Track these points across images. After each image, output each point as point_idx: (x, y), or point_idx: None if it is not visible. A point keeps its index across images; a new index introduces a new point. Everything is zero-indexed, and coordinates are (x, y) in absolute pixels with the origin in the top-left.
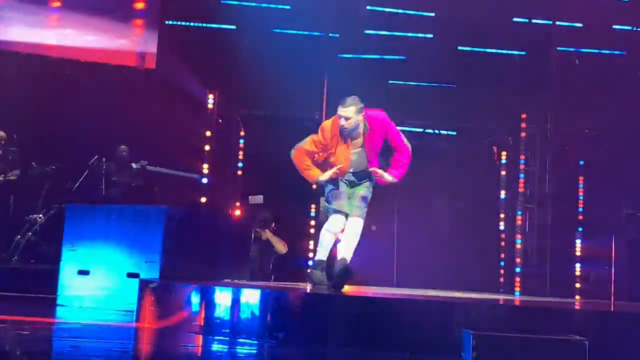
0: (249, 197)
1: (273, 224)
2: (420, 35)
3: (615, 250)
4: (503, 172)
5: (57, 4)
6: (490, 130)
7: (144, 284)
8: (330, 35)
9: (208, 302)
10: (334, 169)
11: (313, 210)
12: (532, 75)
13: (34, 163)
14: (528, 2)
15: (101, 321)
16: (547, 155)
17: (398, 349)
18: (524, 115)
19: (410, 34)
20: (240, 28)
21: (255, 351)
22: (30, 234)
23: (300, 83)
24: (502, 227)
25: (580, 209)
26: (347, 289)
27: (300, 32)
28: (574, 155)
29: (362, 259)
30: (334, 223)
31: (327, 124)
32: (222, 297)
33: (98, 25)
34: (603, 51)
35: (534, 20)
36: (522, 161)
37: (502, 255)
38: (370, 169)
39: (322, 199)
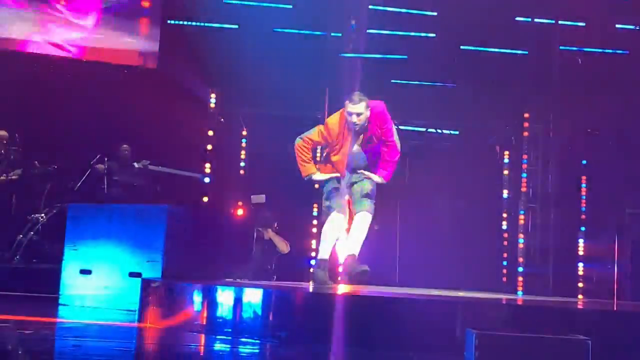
0: (251, 196)
1: (275, 223)
2: (422, 34)
3: (618, 250)
4: (505, 172)
5: (63, 2)
6: (493, 130)
7: (146, 284)
8: (332, 34)
9: (210, 302)
10: (332, 175)
11: (315, 209)
12: (534, 74)
13: (36, 162)
14: (530, 1)
15: (103, 320)
16: (550, 155)
17: (400, 349)
18: (526, 115)
19: (412, 33)
20: (242, 27)
21: (257, 351)
22: (32, 233)
23: (302, 82)
24: (504, 227)
25: (583, 209)
26: (348, 288)
27: (302, 32)
28: (576, 155)
29: (364, 258)
30: (335, 222)
31: (333, 121)
32: (225, 297)
33: (100, 24)
34: (606, 50)
35: (536, 20)
36: (525, 160)
37: (505, 255)
38: (358, 172)
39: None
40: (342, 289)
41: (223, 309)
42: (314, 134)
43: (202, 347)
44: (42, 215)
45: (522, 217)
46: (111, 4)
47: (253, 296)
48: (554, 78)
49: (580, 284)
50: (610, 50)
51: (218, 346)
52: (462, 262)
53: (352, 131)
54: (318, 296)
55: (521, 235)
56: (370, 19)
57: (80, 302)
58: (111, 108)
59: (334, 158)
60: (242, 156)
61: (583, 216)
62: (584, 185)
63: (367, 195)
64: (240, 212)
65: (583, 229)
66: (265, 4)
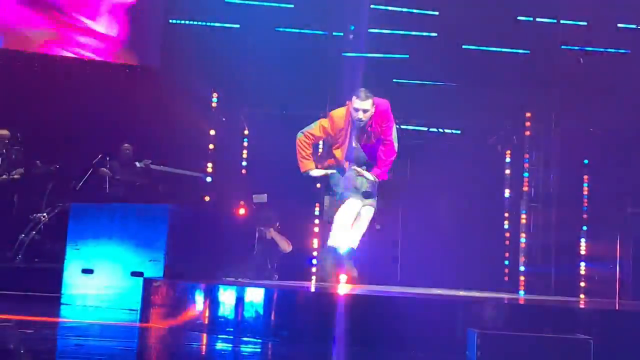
0: (253, 195)
1: (277, 222)
2: (424, 33)
3: (620, 249)
4: (507, 171)
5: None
6: (495, 129)
7: (148, 283)
8: (334, 34)
9: (212, 301)
10: (329, 171)
11: (317, 208)
12: (536, 73)
13: (37, 162)
14: (532, 0)
15: (105, 320)
16: (552, 154)
17: (402, 348)
18: (528, 114)
19: (414, 33)
20: (243, 27)
21: (259, 350)
22: (34, 232)
23: (304, 81)
24: (506, 226)
25: (585, 208)
26: (351, 287)
27: (303, 31)
28: (578, 154)
29: (366, 257)
30: (353, 208)
31: (339, 114)
32: (227, 296)
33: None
34: (608, 50)
35: (538, 19)
36: (526, 160)
37: (507, 254)
38: (353, 168)
39: (326, 198)
40: (344, 287)
41: (225, 309)
42: (316, 128)
43: (204, 347)
44: (44, 214)
45: (523, 216)
46: None
47: (255, 295)
48: (556, 77)
49: (582, 284)
50: (612, 50)
51: (220, 345)
52: (464, 261)
53: (354, 127)
54: (319, 295)
55: (523, 235)
56: (371, 18)
57: (82, 301)
58: (113, 107)
59: (336, 152)
60: (244, 155)
61: (585, 215)
62: (585, 184)
63: (370, 193)
64: (242, 211)
65: (585, 228)
66: (266, 4)
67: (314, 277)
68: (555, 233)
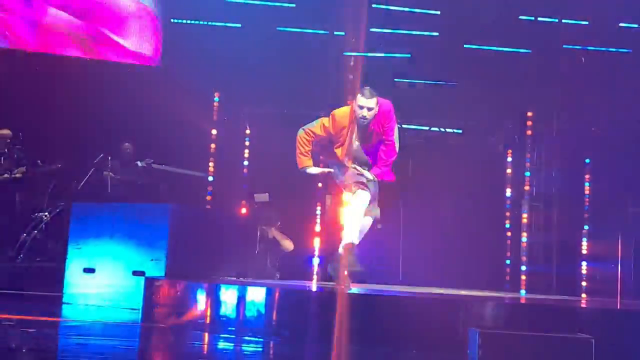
0: (255, 195)
1: (278, 222)
2: (425, 33)
3: (622, 249)
4: (509, 170)
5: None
6: (496, 129)
7: (149, 282)
8: (335, 33)
9: (214, 300)
10: (325, 170)
11: (319, 207)
12: (538, 73)
13: (39, 161)
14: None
15: (107, 319)
16: (553, 154)
17: (404, 347)
18: (529, 114)
19: (415, 32)
20: (245, 26)
21: (261, 349)
22: (36, 232)
23: (305, 81)
24: (507, 225)
25: (586, 207)
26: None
27: (305, 30)
28: (580, 154)
29: (368, 257)
30: (367, 203)
31: (342, 113)
32: (228, 295)
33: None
34: (610, 49)
35: (540, 18)
36: (528, 159)
37: (508, 254)
38: (353, 166)
39: (327, 197)
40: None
41: (227, 308)
42: (317, 127)
43: (205, 346)
44: (46, 214)
45: (525, 215)
46: None
47: (257, 294)
48: (557, 77)
49: (584, 283)
50: (613, 49)
51: (222, 345)
52: (465, 260)
53: (356, 126)
54: (321, 294)
55: (524, 234)
56: (373, 17)
57: (83, 300)
58: (115, 107)
59: (337, 151)
60: (246, 155)
61: (586, 215)
62: (587, 183)
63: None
64: (243, 210)
65: (586, 227)
66: (267, 3)
67: (315, 277)
68: (557, 232)
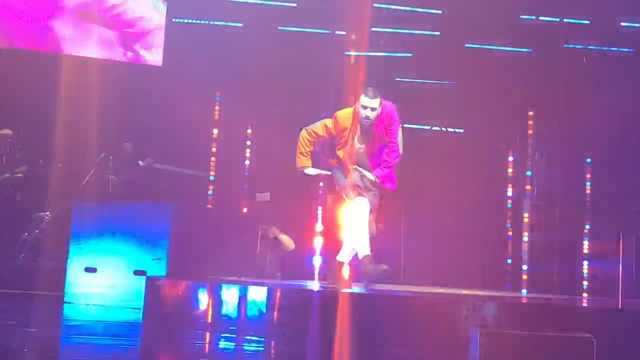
0: (256, 194)
1: (279, 221)
2: (427, 32)
3: (623, 248)
4: (510, 170)
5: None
6: (498, 128)
7: (151, 282)
8: (336, 32)
9: (215, 300)
10: (322, 172)
11: (320, 207)
12: (539, 72)
13: (40, 161)
14: None
15: (108, 319)
16: (555, 153)
17: (405, 346)
18: (531, 113)
19: (417, 32)
20: (246, 26)
21: (262, 349)
22: (37, 231)
23: (307, 81)
24: (508, 225)
25: (588, 206)
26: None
27: (306, 30)
28: (581, 152)
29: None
30: (365, 207)
31: (344, 115)
32: (229, 295)
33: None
34: (611, 48)
35: (541, 18)
36: (529, 159)
37: (509, 253)
38: (355, 167)
39: (329, 196)
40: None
41: (228, 307)
42: (319, 127)
43: (207, 345)
44: (47, 213)
45: (526, 215)
46: None
47: (258, 294)
48: (559, 76)
49: (585, 282)
50: (615, 49)
51: (223, 344)
52: (467, 260)
53: (359, 127)
54: (322, 294)
55: (525, 233)
56: (374, 17)
57: (85, 300)
58: (116, 106)
59: (339, 153)
60: (247, 154)
61: (588, 214)
62: (588, 183)
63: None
64: (244, 210)
65: (588, 226)
66: (269, 3)
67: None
68: (558, 231)
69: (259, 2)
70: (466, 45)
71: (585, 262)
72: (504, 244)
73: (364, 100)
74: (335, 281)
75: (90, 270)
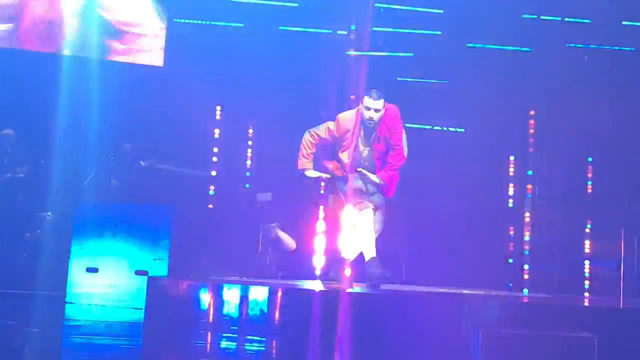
0: (257, 194)
1: (281, 221)
2: (428, 32)
3: (625, 247)
4: (511, 169)
5: None
6: (499, 127)
7: (152, 282)
8: (338, 32)
9: (216, 300)
10: (323, 175)
11: (321, 207)
12: (541, 71)
13: (42, 161)
14: None
15: (110, 319)
16: (556, 152)
17: (406, 346)
18: (532, 112)
19: (418, 31)
20: (247, 26)
21: (263, 348)
22: (39, 231)
23: (308, 81)
24: (510, 224)
25: (589, 206)
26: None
27: (307, 30)
28: (582, 152)
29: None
30: (369, 214)
31: (346, 117)
32: (231, 294)
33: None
34: (613, 47)
35: (542, 17)
36: (530, 158)
37: (511, 253)
38: (358, 170)
39: (330, 196)
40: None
41: (229, 307)
42: (322, 130)
43: (208, 345)
44: (49, 213)
45: (527, 214)
46: None
47: (259, 294)
48: (560, 75)
49: (587, 282)
50: (616, 48)
51: (224, 344)
52: (468, 260)
53: (362, 129)
54: (323, 294)
55: (527, 233)
56: (375, 16)
57: (86, 300)
58: (117, 107)
59: (341, 155)
60: (248, 154)
61: (589, 213)
62: (590, 182)
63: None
64: (246, 210)
65: (589, 226)
66: (270, 2)
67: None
68: (560, 231)
69: (260, 2)
70: (467, 44)
71: (587, 262)
72: (506, 243)
73: (367, 101)
74: (336, 278)
75: (91, 270)
